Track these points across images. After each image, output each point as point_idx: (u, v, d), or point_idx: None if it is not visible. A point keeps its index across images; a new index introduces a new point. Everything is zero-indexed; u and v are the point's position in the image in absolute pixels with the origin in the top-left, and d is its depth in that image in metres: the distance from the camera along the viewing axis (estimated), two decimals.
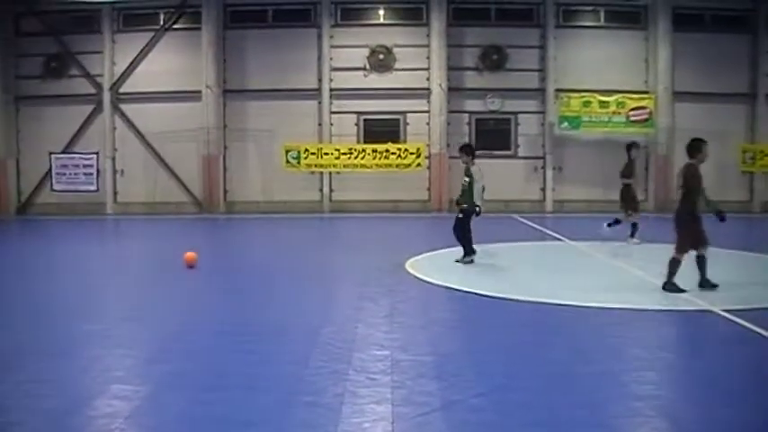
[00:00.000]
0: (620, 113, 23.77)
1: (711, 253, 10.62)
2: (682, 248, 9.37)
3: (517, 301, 9.29)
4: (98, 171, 23.92)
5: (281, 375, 6.01)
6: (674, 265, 9.39)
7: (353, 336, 7.32)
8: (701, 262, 9.46)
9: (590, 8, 24.72)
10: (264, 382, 5.83)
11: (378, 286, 10.23)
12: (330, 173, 23.97)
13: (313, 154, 23.27)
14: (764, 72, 24.82)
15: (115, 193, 24.40)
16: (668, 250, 10.27)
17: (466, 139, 23.68)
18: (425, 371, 6.10)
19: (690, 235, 9.28)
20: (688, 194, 9.32)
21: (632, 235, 15.25)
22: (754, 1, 24.67)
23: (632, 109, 23.81)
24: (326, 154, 23.30)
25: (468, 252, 12.18)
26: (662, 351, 7.10)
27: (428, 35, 23.85)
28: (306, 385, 5.74)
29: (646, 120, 23.94)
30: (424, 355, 6.61)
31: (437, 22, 23.62)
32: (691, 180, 9.31)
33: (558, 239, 16.62)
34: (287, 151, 23.24)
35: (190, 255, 11.85)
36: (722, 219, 9.27)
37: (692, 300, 9.12)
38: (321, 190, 24.17)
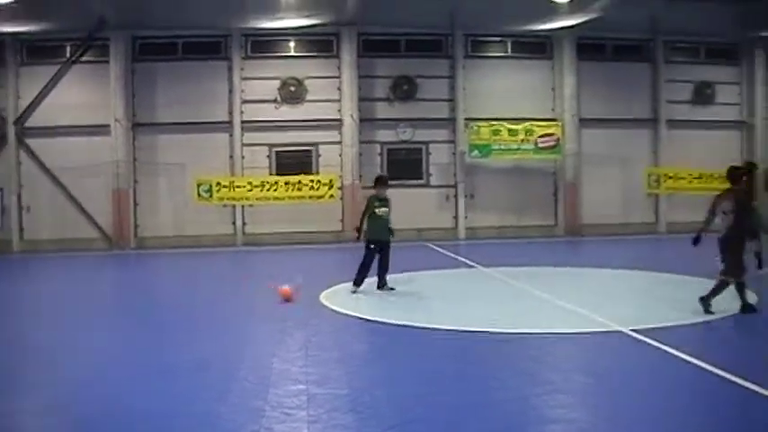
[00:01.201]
0: (528, 141, 25.00)
1: (621, 274, 11.93)
2: (733, 272, 9.90)
3: (432, 329, 9.53)
4: (2, 208, 23.88)
5: (197, 413, 6.06)
6: (723, 287, 9.90)
7: (269, 371, 7.42)
8: (740, 287, 9.98)
9: (497, 39, 25.94)
10: (181, 420, 5.90)
11: (293, 320, 10.34)
12: (243, 206, 24.40)
13: (225, 187, 23.68)
14: (665, 98, 26.59)
15: (21, 231, 24.24)
16: (578, 275, 11.61)
17: (378, 170, 24.93)
18: (340, 404, 6.27)
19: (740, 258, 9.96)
20: (740, 219, 9.89)
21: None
22: (652, 31, 26.46)
23: (540, 136, 25.09)
24: (239, 187, 23.74)
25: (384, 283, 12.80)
26: (574, 374, 7.39)
27: (339, 66, 24.66)
28: (223, 422, 5.84)
29: (554, 146, 25.26)
30: (339, 388, 6.78)
31: (347, 54, 24.47)
32: (743, 205, 10.05)
33: (472, 266, 17.14)
34: (198, 185, 23.55)
35: (285, 290, 12.10)
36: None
37: (602, 321, 9.58)
38: (234, 223, 24.56)
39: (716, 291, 9.96)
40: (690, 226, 25.68)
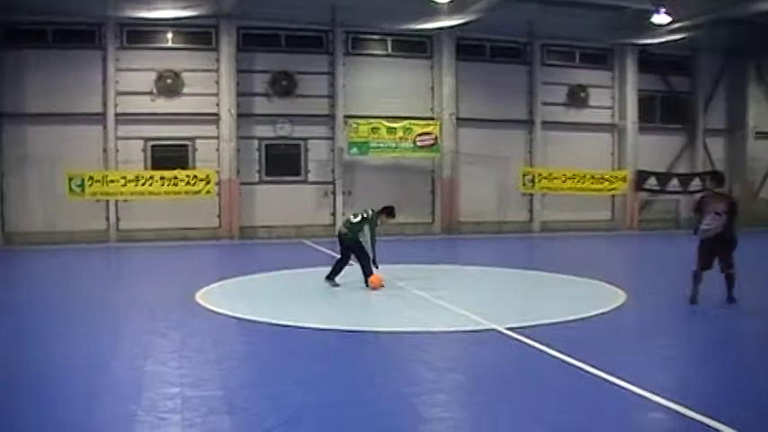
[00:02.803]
0: (407, 139, 26.29)
1: (495, 272, 13.17)
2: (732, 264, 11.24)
3: (310, 328, 9.71)
4: None
5: (66, 420, 6.01)
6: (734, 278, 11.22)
7: (142, 374, 7.39)
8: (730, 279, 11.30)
9: (378, 37, 27.00)
10: (48, 428, 5.83)
11: (167, 320, 10.36)
12: (117, 201, 24.55)
13: (98, 181, 23.75)
14: (541, 100, 28.42)
15: None
16: (454, 273, 12.95)
17: (256, 165, 26.12)
18: (217, 406, 6.29)
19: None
20: (734, 219, 11.17)
21: None
22: (529, 34, 28.26)
23: (419, 135, 26.41)
24: (112, 181, 23.86)
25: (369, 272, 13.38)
26: (450, 372, 7.64)
27: (217, 60, 25.10)
28: (93, 430, 5.85)
29: (432, 145, 26.65)
30: (215, 389, 6.82)
31: (226, 47, 24.92)
32: (736, 207, 11.32)
33: (349, 264, 17.78)
34: (70, 179, 23.54)
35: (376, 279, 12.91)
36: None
37: (478, 319, 10.01)
38: (107, 219, 24.66)
39: (732, 284, 11.28)
40: (562, 225, 28.48)
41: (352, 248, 13.44)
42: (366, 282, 13.23)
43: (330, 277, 13.54)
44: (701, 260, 11.36)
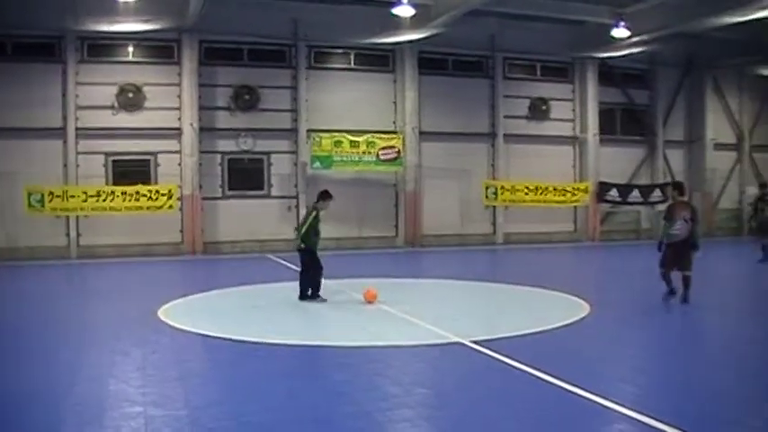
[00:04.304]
0: (370, 153, 26.96)
1: (459, 285, 13.57)
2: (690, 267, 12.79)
3: (274, 344, 9.81)
4: None
5: None
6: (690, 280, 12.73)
7: (105, 393, 7.41)
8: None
9: (341, 51, 27.67)
10: None
11: (129, 338, 10.38)
12: (77, 216, 24.77)
13: (58, 197, 23.97)
14: (503, 113, 29.34)
15: None
16: (418, 287, 13.53)
17: (219, 180, 26.66)
18: (179, 426, 6.32)
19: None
20: (695, 225, 12.86)
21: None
22: (491, 48, 29.14)
23: (382, 148, 27.11)
24: (73, 197, 24.10)
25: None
26: (416, 387, 7.71)
27: (179, 74, 25.56)
28: None
29: (395, 158, 27.38)
30: (178, 409, 6.84)
31: (188, 61, 25.40)
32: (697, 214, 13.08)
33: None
34: (29, 194, 23.74)
35: (369, 293, 13.22)
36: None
37: (443, 333, 10.24)
38: (68, 235, 24.91)
39: (688, 285, 12.72)
40: (525, 237, 29.45)
41: (305, 258, 13.69)
42: (301, 294, 13.61)
43: (306, 296, 13.71)
44: (669, 262, 12.87)
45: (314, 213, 13.84)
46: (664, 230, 13.10)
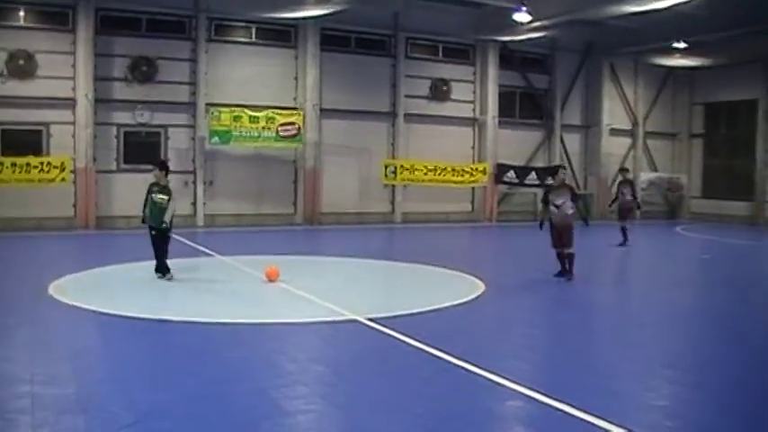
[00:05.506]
0: (270, 129, 27.24)
1: (356, 263, 14.33)
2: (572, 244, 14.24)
3: (168, 321, 9.95)
4: None
5: None
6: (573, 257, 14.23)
7: None
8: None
9: (242, 24, 27.76)
10: None
11: (17, 315, 10.26)
12: None
13: None
14: (404, 93, 30.03)
15: None
16: (316, 264, 13.98)
17: (114, 153, 26.62)
18: (69, 405, 6.28)
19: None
20: (577, 205, 14.43)
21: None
22: (394, 27, 29.72)
23: (282, 124, 27.44)
24: None
25: (167, 269, 13.58)
26: (312, 363, 7.99)
27: (74, 42, 25.11)
28: None
29: (295, 135, 27.72)
30: (68, 388, 6.79)
31: (84, 30, 24.95)
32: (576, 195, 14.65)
33: (210, 255, 18.17)
34: None
35: (271, 271, 13.21)
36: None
37: (339, 310, 10.55)
38: None
39: (572, 262, 14.09)
40: (423, 216, 30.35)
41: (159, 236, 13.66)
42: (157, 269, 13.69)
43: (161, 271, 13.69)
44: (556, 241, 14.36)
45: (154, 189, 13.85)
46: (542, 212, 14.48)
